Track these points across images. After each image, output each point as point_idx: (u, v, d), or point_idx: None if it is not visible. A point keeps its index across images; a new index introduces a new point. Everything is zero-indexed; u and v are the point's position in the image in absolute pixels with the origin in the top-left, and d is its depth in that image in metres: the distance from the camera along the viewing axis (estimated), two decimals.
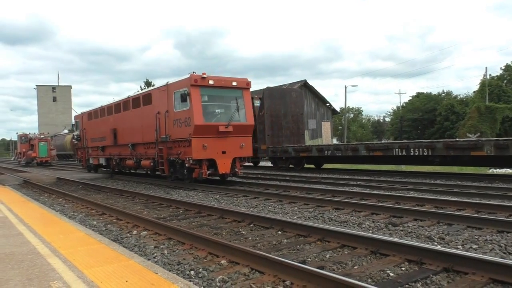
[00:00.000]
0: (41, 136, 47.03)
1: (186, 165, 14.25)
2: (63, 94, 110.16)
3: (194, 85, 13.68)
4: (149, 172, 18.54)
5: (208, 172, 14.15)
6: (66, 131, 69.24)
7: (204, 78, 13.84)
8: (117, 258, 4.85)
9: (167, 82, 15.37)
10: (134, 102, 18.00)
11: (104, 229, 7.92)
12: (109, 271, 4.31)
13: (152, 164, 16.51)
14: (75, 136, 27.18)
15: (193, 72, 13.88)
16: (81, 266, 4.52)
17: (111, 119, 20.53)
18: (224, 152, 14.30)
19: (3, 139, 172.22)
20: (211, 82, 14.01)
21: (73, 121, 29.47)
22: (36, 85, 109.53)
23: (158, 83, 15.76)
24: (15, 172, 28.65)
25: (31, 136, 47.32)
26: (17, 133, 52.78)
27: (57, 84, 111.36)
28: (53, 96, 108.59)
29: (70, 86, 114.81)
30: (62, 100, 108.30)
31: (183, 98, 13.76)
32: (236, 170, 14.93)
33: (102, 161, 22.66)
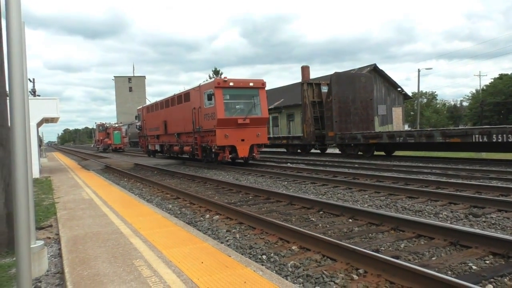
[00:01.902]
0: (115, 125, 51.73)
1: (213, 150, 17.56)
2: (138, 84, 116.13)
3: (218, 87, 16.97)
4: (189, 156, 21.89)
5: (230, 156, 17.44)
6: None
7: (225, 81, 17.16)
8: (192, 240, 5.05)
9: (200, 84, 18.83)
10: (178, 99, 21.69)
11: (179, 212, 8.30)
12: (186, 252, 4.51)
13: (191, 149, 20.09)
14: (137, 126, 31.63)
15: (217, 77, 16.98)
16: (160, 247, 4.78)
17: (163, 113, 24.37)
18: (243, 140, 17.45)
19: (86, 127, 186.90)
20: (231, 84, 17.29)
21: (136, 113, 33.47)
22: (114, 76, 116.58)
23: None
24: (97, 158, 30.93)
25: (107, 125, 51.95)
26: (95, 123, 57.72)
27: (132, 75, 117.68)
28: (129, 86, 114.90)
29: (144, 76, 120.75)
30: (137, 90, 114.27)
31: (209, 97, 17.28)
32: (254, 154, 18.04)
33: (157, 147, 26.66)
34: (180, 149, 21.80)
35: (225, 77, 17.19)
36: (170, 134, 23.27)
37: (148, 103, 30.83)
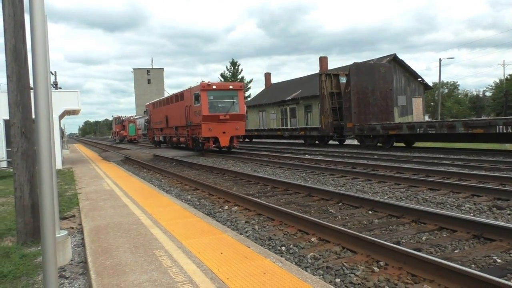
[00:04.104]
0: (130, 118, 55.24)
1: (200, 140, 21.47)
2: (157, 76, 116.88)
3: (203, 89, 20.83)
4: (184, 146, 25.38)
5: (214, 145, 21.38)
6: None
7: (209, 84, 21.13)
8: (211, 231, 5.08)
9: (191, 86, 22.67)
10: (175, 98, 25.71)
11: (198, 203, 8.36)
12: (205, 243, 4.54)
13: (185, 140, 24.00)
14: (146, 120, 35.80)
15: (202, 81, 21.26)
16: (180, 237, 4.83)
17: (164, 109, 28.32)
18: (224, 132, 21.10)
19: (106, 119, 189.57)
20: (214, 87, 21.24)
21: (145, 109, 37.52)
22: (133, 69, 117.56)
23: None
24: (117, 150, 31.39)
25: (123, 118, 54.78)
26: (112, 116, 60.23)
27: (151, 67, 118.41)
28: (147, 78, 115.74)
29: (163, 68, 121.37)
30: (156, 82, 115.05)
31: (196, 98, 21.31)
32: (233, 144, 21.75)
33: (161, 138, 30.60)
34: (177, 140, 25.85)
35: (209, 81, 21.42)
36: (170, 127, 27.20)
37: (166, 95, 31.90)
